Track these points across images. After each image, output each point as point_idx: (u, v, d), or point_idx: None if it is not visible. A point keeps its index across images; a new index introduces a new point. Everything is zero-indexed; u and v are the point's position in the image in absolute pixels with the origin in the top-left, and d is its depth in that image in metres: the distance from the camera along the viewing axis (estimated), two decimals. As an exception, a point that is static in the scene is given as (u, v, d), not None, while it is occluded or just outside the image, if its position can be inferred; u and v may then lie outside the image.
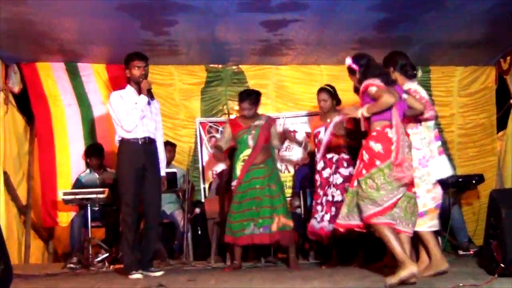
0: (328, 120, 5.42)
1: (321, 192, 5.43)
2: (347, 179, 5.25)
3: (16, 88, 7.01)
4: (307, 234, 5.50)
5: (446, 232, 5.78)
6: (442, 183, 5.37)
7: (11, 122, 6.93)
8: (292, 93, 7.58)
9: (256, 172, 5.35)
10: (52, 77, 7.11)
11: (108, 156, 6.58)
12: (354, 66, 4.28)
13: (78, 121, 7.14)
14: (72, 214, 6.57)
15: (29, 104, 7.05)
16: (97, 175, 6.54)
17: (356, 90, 5.19)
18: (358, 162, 4.06)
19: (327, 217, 5.32)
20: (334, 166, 5.43)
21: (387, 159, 3.87)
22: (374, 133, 3.98)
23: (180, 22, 5.96)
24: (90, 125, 7.13)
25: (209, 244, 6.19)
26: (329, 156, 5.46)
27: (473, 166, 7.52)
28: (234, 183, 5.46)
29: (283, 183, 5.53)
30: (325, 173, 5.44)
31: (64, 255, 6.93)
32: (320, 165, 5.48)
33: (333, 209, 5.29)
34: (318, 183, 5.47)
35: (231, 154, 6.02)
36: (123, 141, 4.91)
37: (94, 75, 7.19)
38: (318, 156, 5.46)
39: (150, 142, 4.94)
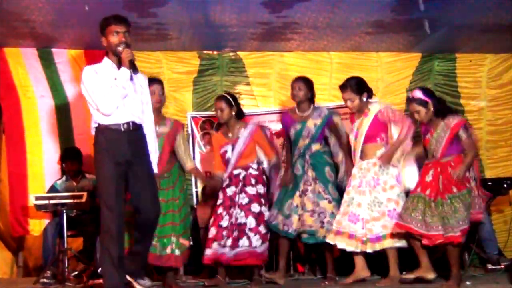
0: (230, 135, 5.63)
1: (223, 213, 5.45)
2: (254, 199, 5.44)
3: (-19, 76, 7.01)
4: (203, 260, 5.47)
5: (473, 243, 5.76)
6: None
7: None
8: (298, 84, 7.54)
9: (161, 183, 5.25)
10: (23, 64, 7.11)
11: (87, 160, 6.54)
12: (425, 98, 5.05)
13: (52, 115, 7.13)
14: (45, 221, 6.55)
15: (-4, 94, 7.05)
16: (74, 183, 6.53)
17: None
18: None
19: (229, 242, 5.36)
20: (240, 183, 5.50)
21: None
22: None
23: (170, 1, 5.94)
24: (66, 120, 7.13)
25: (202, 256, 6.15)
26: (236, 172, 5.52)
27: (504, 168, 7.53)
28: None
29: (187, 193, 5.57)
30: (229, 191, 5.50)
31: (36, 268, 6.91)
32: (225, 182, 5.56)
33: (235, 233, 5.38)
34: (221, 201, 5.51)
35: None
36: (100, 128, 4.41)
37: (70, 62, 7.18)
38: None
39: (135, 128, 4.46)
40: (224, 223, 5.40)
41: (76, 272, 5.99)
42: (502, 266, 5.99)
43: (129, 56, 4.38)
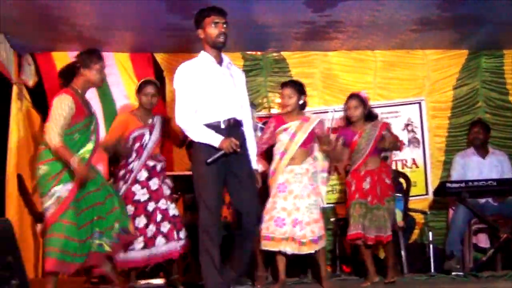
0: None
1: (151, 209, 5.25)
2: (172, 190, 5.44)
3: (31, 81, 7.11)
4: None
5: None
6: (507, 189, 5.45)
7: (25, 119, 7.04)
8: (342, 83, 7.52)
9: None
10: (70, 68, 7.19)
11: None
12: (366, 102, 5.57)
13: (100, 118, 7.10)
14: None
15: (45, 99, 7.09)
16: None
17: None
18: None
19: (162, 240, 5.20)
20: (162, 176, 5.37)
21: None
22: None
23: (212, 3, 5.95)
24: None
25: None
26: (151, 164, 5.35)
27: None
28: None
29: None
30: (153, 184, 5.30)
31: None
32: (143, 174, 5.34)
33: (178, 225, 5.26)
34: (147, 197, 5.28)
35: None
36: None
37: (116, 65, 7.26)
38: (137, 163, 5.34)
39: (235, 125, 4.30)
40: (158, 217, 5.24)
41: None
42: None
43: (228, 149, 4.15)
